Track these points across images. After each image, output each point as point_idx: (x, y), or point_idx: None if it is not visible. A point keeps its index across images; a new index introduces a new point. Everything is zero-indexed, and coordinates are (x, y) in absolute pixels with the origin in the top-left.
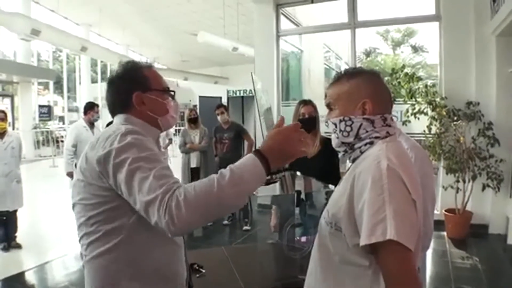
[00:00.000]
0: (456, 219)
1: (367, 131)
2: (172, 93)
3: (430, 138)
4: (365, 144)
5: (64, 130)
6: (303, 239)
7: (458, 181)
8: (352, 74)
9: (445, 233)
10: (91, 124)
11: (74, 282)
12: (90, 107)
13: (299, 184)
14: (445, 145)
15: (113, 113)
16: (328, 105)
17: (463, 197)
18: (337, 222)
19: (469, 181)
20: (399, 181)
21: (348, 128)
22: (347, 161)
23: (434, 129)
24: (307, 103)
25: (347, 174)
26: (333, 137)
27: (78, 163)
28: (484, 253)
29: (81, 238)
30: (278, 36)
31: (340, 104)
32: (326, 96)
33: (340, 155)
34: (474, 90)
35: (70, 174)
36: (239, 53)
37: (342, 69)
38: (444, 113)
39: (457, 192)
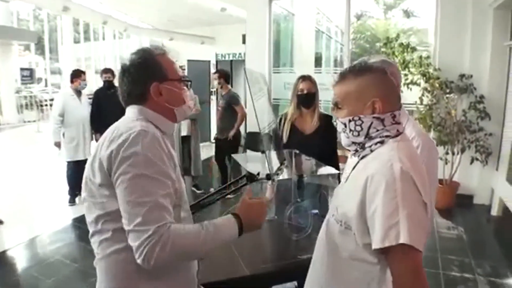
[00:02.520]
0: (443, 190)
1: (377, 130)
2: (189, 82)
3: (422, 109)
4: (376, 143)
5: (47, 93)
6: (300, 218)
7: (447, 153)
8: (359, 72)
9: None
10: (78, 92)
11: (65, 256)
12: (77, 75)
13: (302, 168)
14: (436, 116)
15: (127, 103)
16: (336, 104)
17: (451, 169)
18: (347, 221)
19: (458, 153)
20: (411, 185)
21: (358, 128)
22: (352, 155)
23: (426, 101)
24: (306, 78)
25: (355, 171)
26: (343, 136)
27: (88, 160)
28: (468, 223)
29: (92, 236)
30: (270, 0)
31: (348, 104)
32: (333, 94)
33: (351, 153)
34: (468, 62)
35: (57, 144)
36: (227, 14)
37: (332, 32)
38: (437, 84)
39: (445, 163)
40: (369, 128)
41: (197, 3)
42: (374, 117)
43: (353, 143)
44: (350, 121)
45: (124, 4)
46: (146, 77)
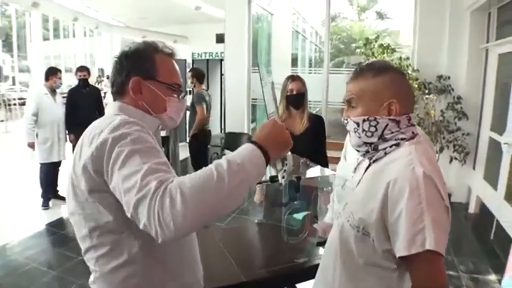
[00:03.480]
0: None
1: (392, 132)
2: (182, 93)
3: None
4: (391, 146)
5: (15, 91)
6: (292, 220)
7: None
8: (378, 70)
9: None
10: (53, 91)
11: (41, 263)
12: (53, 73)
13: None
14: (414, 117)
15: (113, 95)
16: (349, 101)
17: None
18: (366, 227)
19: (436, 153)
20: (434, 189)
21: (372, 128)
22: (357, 152)
23: None
24: (295, 78)
25: (368, 174)
26: (353, 136)
27: (70, 168)
28: None
29: (86, 252)
30: None
31: (363, 102)
32: (346, 90)
33: (359, 154)
34: (446, 64)
35: (31, 145)
36: (201, 13)
37: (307, 33)
38: (416, 85)
39: None
40: (384, 129)
41: (170, 0)
42: (390, 119)
43: (365, 143)
44: (364, 121)
45: (96, 0)
46: (130, 68)
